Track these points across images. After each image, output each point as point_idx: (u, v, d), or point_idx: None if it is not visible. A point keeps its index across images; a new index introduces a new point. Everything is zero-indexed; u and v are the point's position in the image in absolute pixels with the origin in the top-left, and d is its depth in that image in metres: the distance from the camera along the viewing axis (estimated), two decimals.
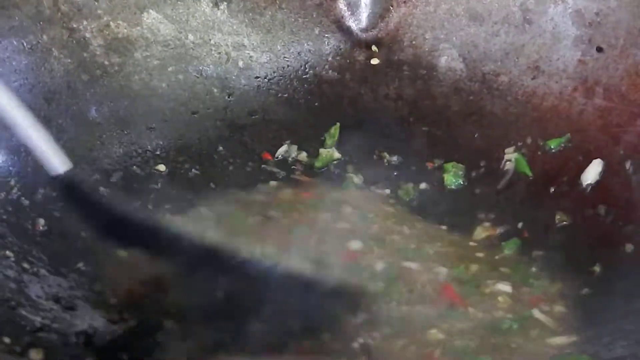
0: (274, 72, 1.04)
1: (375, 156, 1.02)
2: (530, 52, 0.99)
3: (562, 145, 0.96)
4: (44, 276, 0.86)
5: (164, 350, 0.79)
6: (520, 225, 0.92)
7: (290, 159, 1.01)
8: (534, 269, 0.89)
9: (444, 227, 0.94)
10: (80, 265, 0.88)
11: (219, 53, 1.03)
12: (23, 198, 0.90)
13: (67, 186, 0.81)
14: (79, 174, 0.92)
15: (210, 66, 1.02)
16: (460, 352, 0.79)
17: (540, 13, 0.99)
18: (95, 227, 0.85)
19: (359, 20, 1.05)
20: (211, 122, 1.01)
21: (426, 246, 0.91)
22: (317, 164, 1.01)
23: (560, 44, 0.98)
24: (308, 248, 0.88)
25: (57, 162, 0.79)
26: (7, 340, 0.76)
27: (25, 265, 0.85)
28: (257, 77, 1.04)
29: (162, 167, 0.99)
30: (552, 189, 0.94)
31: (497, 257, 0.91)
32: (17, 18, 0.94)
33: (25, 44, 0.94)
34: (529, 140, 0.97)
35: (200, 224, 0.95)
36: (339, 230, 0.91)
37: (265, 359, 0.81)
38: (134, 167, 0.97)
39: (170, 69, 1.01)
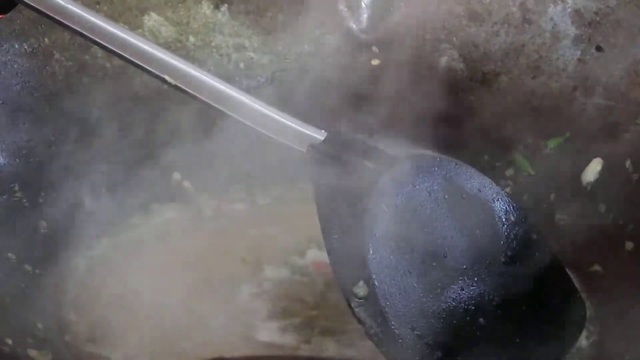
0: (275, 73, 1.04)
1: None
2: (530, 51, 1.00)
3: (562, 144, 0.96)
4: (46, 278, 0.87)
5: None
6: None
7: None
8: None
9: None
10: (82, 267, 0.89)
11: (220, 55, 1.03)
12: (25, 200, 0.91)
13: None
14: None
15: (212, 68, 1.02)
16: None
17: (540, 13, 0.99)
18: None
19: (359, 21, 1.05)
20: (212, 124, 1.01)
21: None
22: None
23: (560, 44, 0.98)
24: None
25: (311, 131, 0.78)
26: (9, 341, 0.76)
27: (27, 267, 0.86)
28: (258, 79, 1.04)
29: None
30: (552, 188, 0.94)
31: None
32: (18, 21, 0.94)
33: (26, 47, 0.95)
34: (529, 140, 0.98)
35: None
36: None
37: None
38: (137, 168, 0.98)
39: None
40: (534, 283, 0.78)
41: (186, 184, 0.99)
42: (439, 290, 0.72)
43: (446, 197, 0.75)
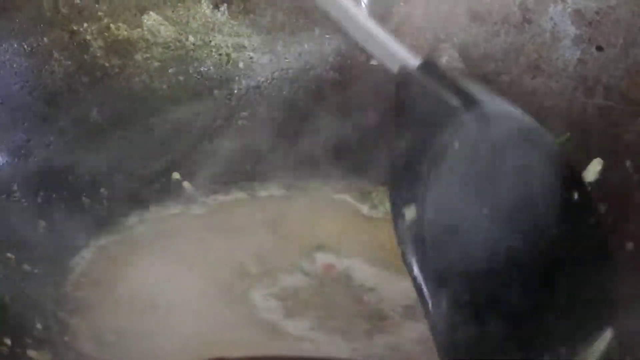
0: (274, 73, 1.04)
1: None
2: (530, 51, 0.99)
3: (562, 144, 0.96)
4: (45, 278, 0.86)
5: None
6: None
7: None
8: None
9: None
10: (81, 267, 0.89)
11: (220, 54, 1.03)
12: (24, 200, 0.90)
13: None
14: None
15: (211, 68, 1.02)
16: None
17: (540, 12, 0.99)
18: None
19: None
20: (212, 124, 1.01)
21: None
22: None
23: (560, 44, 0.98)
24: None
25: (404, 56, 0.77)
26: (8, 341, 0.76)
27: (27, 267, 0.86)
28: (257, 78, 1.04)
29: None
30: None
31: None
32: (17, 20, 0.94)
33: (25, 47, 0.95)
34: None
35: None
36: None
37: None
38: (136, 168, 0.97)
39: (170, 70, 1.01)
40: (582, 266, 0.75)
41: (185, 184, 0.99)
42: (484, 241, 0.70)
43: (524, 159, 0.73)
